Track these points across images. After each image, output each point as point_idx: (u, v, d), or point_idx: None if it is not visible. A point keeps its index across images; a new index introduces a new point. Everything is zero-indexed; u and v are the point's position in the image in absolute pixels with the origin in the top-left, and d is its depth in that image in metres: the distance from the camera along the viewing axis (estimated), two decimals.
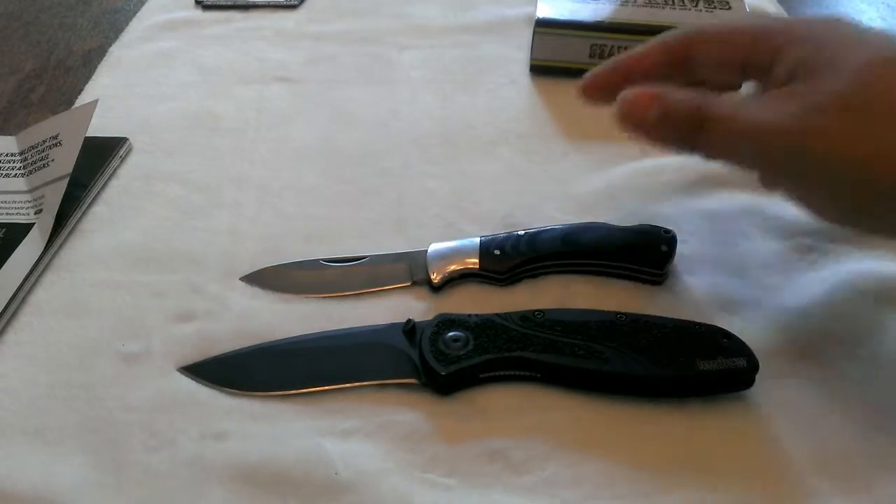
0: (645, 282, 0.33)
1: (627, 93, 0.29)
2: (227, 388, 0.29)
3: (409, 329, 0.30)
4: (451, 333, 0.29)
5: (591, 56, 0.47)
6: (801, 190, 0.28)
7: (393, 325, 0.31)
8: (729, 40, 0.29)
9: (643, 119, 0.28)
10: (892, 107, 0.24)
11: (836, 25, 0.27)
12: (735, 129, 0.27)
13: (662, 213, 0.36)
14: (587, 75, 0.32)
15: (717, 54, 0.29)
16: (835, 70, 0.25)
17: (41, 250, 0.35)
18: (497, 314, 0.30)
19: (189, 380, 0.30)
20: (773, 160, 0.27)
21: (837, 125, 0.24)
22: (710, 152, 0.28)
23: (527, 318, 0.29)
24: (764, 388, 0.28)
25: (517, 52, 0.51)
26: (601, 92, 0.32)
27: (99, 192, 0.39)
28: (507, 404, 0.29)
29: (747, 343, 0.28)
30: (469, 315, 0.30)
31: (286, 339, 0.31)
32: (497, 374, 0.29)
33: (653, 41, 0.31)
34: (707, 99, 0.27)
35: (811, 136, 0.25)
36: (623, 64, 0.31)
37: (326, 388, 0.29)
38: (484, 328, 0.29)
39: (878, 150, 0.24)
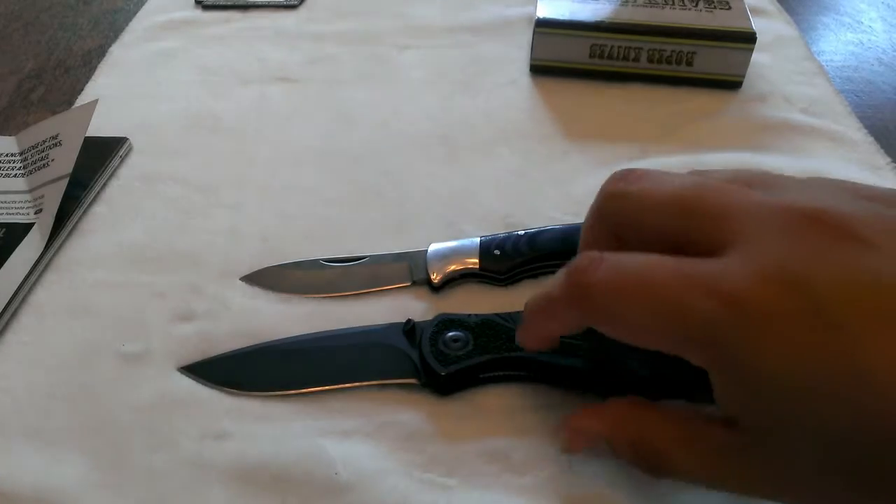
0: None
1: (568, 432, 0.25)
2: (228, 388, 0.29)
3: (409, 329, 0.30)
4: (451, 333, 0.29)
5: (591, 56, 0.47)
6: None
7: (393, 326, 0.31)
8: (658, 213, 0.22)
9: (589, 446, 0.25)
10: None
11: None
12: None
13: None
14: None
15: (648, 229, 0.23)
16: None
17: (41, 250, 0.35)
18: (497, 314, 0.30)
19: (189, 380, 0.30)
20: None
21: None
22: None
23: None
24: None
25: (517, 52, 0.51)
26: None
27: (99, 192, 0.39)
28: (507, 404, 0.29)
29: None
30: (469, 315, 0.30)
31: (286, 338, 0.31)
32: (498, 374, 0.29)
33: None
34: (656, 432, 0.23)
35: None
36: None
37: (326, 388, 0.29)
38: (484, 328, 0.29)
39: None
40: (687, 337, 0.20)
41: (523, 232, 0.34)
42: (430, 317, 0.30)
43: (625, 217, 0.23)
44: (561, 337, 0.26)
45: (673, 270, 0.20)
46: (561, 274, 0.23)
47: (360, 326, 0.31)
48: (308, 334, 0.31)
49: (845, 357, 0.18)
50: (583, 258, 0.22)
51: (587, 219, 0.25)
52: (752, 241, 0.20)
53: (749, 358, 0.19)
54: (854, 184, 0.22)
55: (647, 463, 0.23)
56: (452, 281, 0.33)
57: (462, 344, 0.29)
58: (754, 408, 0.20)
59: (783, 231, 0.20)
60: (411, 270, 0.34)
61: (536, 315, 0.25)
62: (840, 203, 0.20)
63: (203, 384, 0.29)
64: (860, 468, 0.18)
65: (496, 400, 0.29)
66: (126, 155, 0.42)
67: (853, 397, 0.18)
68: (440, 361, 0.28)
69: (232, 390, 0.29)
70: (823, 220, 0.19)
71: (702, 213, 0.21)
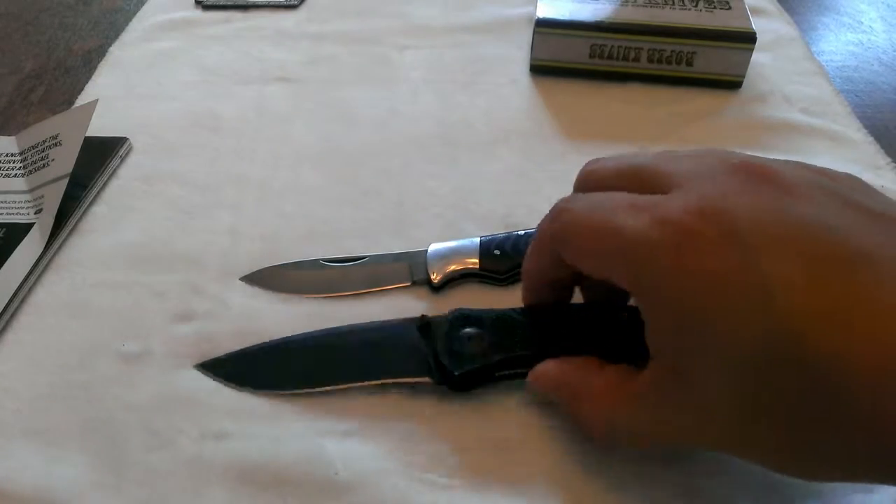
0: None
1: (531, 376, 0.27)
2: (243, 386, 0.29)
3: (423, 326, 0.30)
4: (466, 330, 0.28)
5: (591, 56, 0.47)
6: None
7: (407, 321, 0.30)
8: (583, 255, 0.25)
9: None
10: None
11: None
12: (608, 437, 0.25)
13: None
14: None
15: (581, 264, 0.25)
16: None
17: (41, 250, 0.35)
18: (513, 309, 0.29)
19: (189, 380, 0.30)
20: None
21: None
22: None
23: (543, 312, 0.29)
24: None
25: (517, 52, 0.51)
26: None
27: (99, 192, 0.39)
28: (508, 402, 0.29)
29: None
30: (486, 310, 0.29)
31: (300, 334, 0.31)
32: (514, 371, 0.28)
33: (537, 239, 0.28)
34: (581, 388, 0.25)
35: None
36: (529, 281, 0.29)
37: (342, 386, 0.29)
38: (500, 324, 0.29)
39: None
40: (619, 252, 0.22)
41: (523, 232, 0.34)
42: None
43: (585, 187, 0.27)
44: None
45: (621, 199, 0.23)
46: (543, 221, 0.26)
47: (373, 322, 0.31)
48: (322, 330, 0.31)
49: (754, 274, 0.19)
50: (558, 202, 0.26)
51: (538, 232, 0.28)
52: (692, 184, 0.22)
53: (670, 274, 0.21)
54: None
55: (576, 410, 0.26)
56: (452, 281, 0.33)
57: (477, 341, 0.28)
58: (673, 333, 0.21)
59: (717, 176, 0.22)
60: (411, 270, 0.34)
61: (528, 260, 0.28)
62: (771, 161, 0.23)
63: (220, 382, 0.29)
64: (765, 395, 0.20)
65: (498, 398, 0.29)
66: (126, 155, 0.42)
67: (759, 315, 0.19)
68: (455, 360, 0.28)
69: (246, 389, 0.29)
70: (752, 168, 0.22)
71: (652, 170, 0.24)
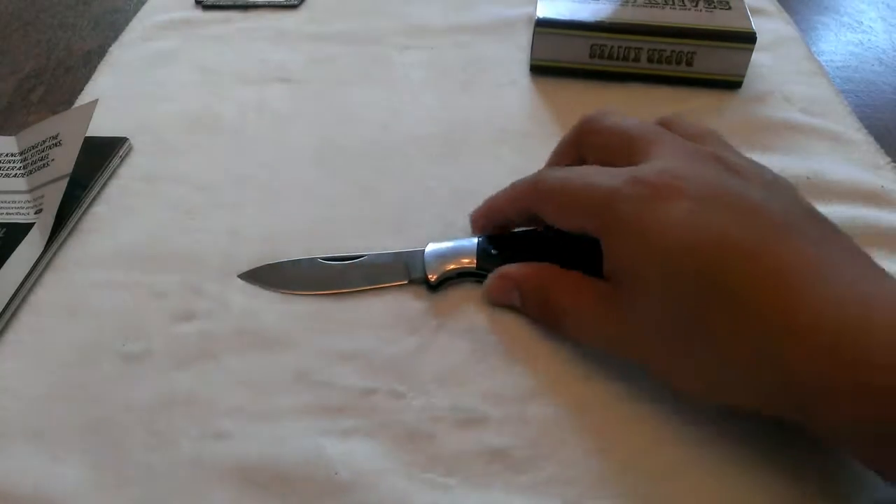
0: None
1: (490, 280, 0.32)
2: (280, 289, 0.33)
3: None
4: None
5: (591, 56, 0.47)
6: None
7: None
8: (616, 141, 0.31)
9: (509, 303, 0.32)
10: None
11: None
12: (580, 335, 0.30)
13: None
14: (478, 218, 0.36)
15: (602, 157, 0.31)
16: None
17: (41, 250, 0.35)
18: (484, 238, 0.34)
19: (189, 380, 0.30)
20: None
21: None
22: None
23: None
24: None
25: (517, 52, 0.51)
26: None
27: (99, 192, 0.39)
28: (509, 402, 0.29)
29: None
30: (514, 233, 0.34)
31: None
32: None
33: (502, 204, 0.34)
34: (554, 283, 0.30)
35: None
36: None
37: (343, 291, 0.33)
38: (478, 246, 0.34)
39: None
40: (593, 204, 0.28)
41: (520, 231, 0.34)
42: (427, 316, 0.31)
43: (591, 146, 0.32)
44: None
45: (596, 170, 0.29)
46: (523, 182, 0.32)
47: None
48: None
49: (701, 224, 0.25)
50: (540, 171, 0.32)
51: (563, 141, 0.34)
52: (664, 157, 0.28)
53: (633, 218, 0.26)
54: None
55: (544, 310, 0.31)
56: (449, 280, 0.33)
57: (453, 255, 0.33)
58: (628, 258, 0.27)
59: (687, 155, 0.28)
60: (408, 269, 0.34)
61: (498, 197, 0.34)
62: (733, 155, 0.30)
63: (261, 287, 0.33)
64: (690, 317, 0.25)
65: (495, 396, 0.29)
66: (126, 155, 0.42)
67: (694, 252, 0.25)
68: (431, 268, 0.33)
69: (283, 290, 0.33)
70: (718, 158, 0.28)
71: (643, 142, 0.29)
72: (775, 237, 0.24)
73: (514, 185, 0.33)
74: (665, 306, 0.25)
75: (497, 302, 0.32)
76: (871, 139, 0.43)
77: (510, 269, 0.32)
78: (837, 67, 0.51)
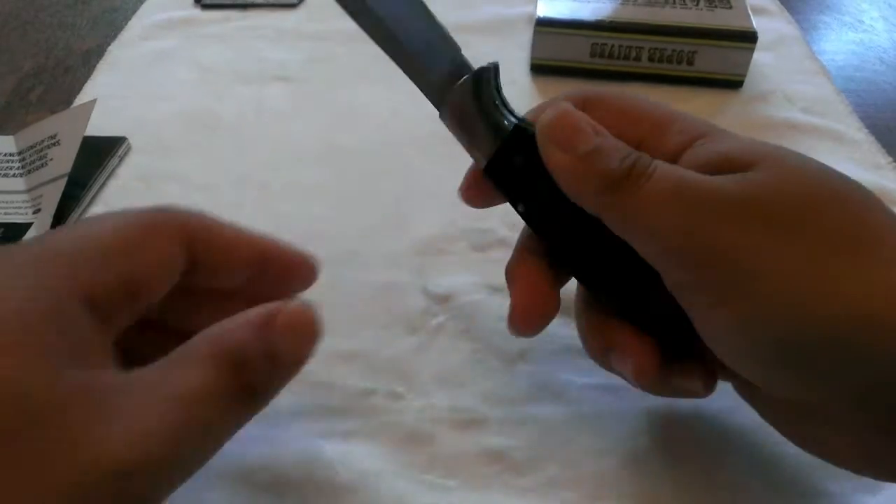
0: None
1: (559, 108, 0.24)
2: None
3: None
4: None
5: (591, 55, 0.47)
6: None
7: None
8: (628, 115, 0.25)
9: (571, 146, 0.23)
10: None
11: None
12: (677, 196, 0.22)
13: None
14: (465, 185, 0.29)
15: (614, 127, 0.24)
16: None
17: None
18: None
19: None
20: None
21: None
22: (625, 224, 0.23)
23: None
24: None
25: (517, 52, 0.51)
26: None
27: (97, 192, 0.39)
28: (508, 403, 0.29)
29: None
30: None
31: None
32: None
33: (543, 106, 0.27)
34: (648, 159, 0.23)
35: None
36: None
37: None
38: None
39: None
40: None
41: None
42: (427, 316, 0.30)
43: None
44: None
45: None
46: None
47: None
48: None
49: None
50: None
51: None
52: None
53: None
54: None
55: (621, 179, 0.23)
56: None
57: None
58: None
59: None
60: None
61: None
62: None
63: None
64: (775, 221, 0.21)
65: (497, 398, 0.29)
66: (125, 154, 0.42)
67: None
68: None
69: None
70: None
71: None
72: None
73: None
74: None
75: (552, 137, 0.24)
76: (872, 138, 0.43)
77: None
78: (839, 67, 0.51)
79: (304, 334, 0.21)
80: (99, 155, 0.40)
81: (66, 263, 0.19)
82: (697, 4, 0.47)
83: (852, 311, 0.19)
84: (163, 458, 0.18)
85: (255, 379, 0.20)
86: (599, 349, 0.26)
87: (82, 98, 0.47)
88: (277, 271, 0.26)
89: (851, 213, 0.21)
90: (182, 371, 0.19)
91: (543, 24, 0.46)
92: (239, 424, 0.20)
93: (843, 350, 0.20)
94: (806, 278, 0.20)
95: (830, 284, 0.20)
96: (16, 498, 0.16)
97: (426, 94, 0.26)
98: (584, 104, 0.25)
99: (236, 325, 0.20)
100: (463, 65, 0.26)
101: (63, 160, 0.38)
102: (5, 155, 0.41)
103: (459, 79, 0.26)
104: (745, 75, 0.47)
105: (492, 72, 0.26)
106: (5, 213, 0.37)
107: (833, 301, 0.20)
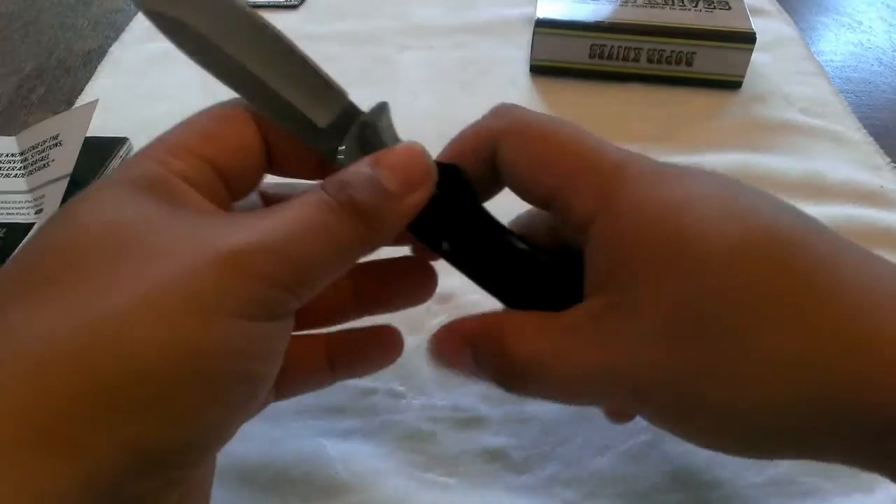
0: None
1: (436, 335, 0.24)
2: None
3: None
4: None
5: (591, 56, 0.47)
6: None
7: None
8: (548, 155, 0.23)
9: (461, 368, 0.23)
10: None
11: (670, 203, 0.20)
12: (553, 381, 0.21)
13: None
14: None
15: (528, 169, 0.23)
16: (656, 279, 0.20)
17: None
18: None
19: None
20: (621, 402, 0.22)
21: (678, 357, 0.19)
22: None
23: None
24: None
25: (517, 52, 0.51)
26: None
27: None
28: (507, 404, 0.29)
29: None
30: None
31: None
32: None
33: (463, 136, 0.26)
34: (509, 327, 0.22)
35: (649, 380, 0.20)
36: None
37: None
38: None
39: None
40: (595, 168, 0.22)
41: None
42: (427, 316, 0.31)
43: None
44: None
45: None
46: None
47: None
48: None
49: (746, 204, 0.20)
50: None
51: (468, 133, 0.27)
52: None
53: (653, 193, 0.21)
54: None
55: (504, 363, 0.22)
56: None
57: None
58: (638, 244, 0.20)
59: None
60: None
61: (460, 133, 0.26)
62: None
63: None
64: (688, 325, 0.19)
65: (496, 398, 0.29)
66: (126, 155, 0.42)
67: (688, 259, 0.19)
68: None
69: None
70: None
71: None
72: (817, 229, 0.20)
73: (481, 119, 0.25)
74: (657, 316, 0.20)
75: (449, 366, 0.24)
76: (870, 139, 0.43)
77: (464, 321, 0.24)
78: (837, 67, 0.51)
79: (408, 166, 0.21)
80: (101, 155, 0.40)
81: (154, 156, 0.21)
82: (696, 5, 0.47)
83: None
84: (275, 249, 0.18)
85: (358, 197, 0.20)
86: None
87: (84, 99, 0.47)
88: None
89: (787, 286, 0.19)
90: (291, 202, 0.20)
91: (543, 25, 0.47)
92: (350, 252, 0.20)
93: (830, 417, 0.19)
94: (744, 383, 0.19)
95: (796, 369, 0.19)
96: (147, 281, 0.17)
97: (318, 150, 0.23)
98: (506, 134, 0.24)
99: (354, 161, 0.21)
100: (351, 112, 0.25)
101: (65, 161, 0.38)
102: (7, 155, 0.41)
103: (349, 127, 0.24)
104: (743, 76, 0.47)
105: (379, 114, 0.24)
106: (7, 214, 0.37)
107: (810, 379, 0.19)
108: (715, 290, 0.19)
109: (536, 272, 0.23)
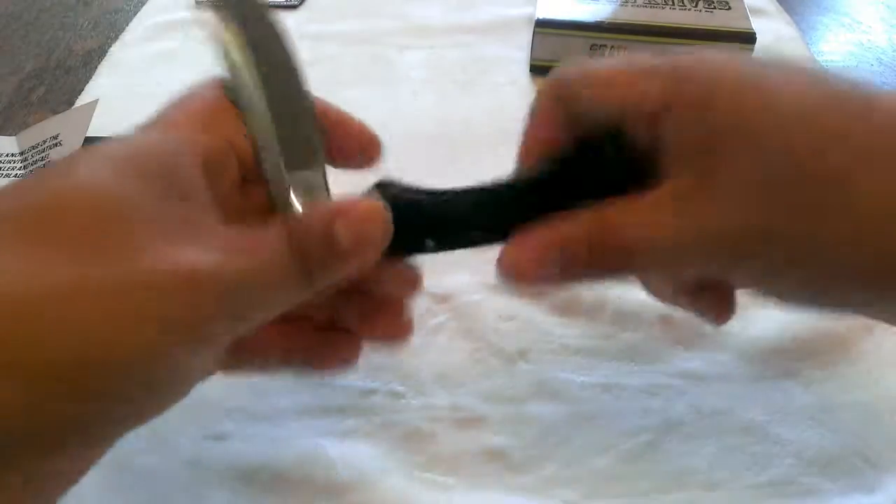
0: None
1: (507, 256, 0.23)
2: None
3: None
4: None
5: (591, 56, 0.47)
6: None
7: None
8: (607, 82, 0.25)
9: (541, 282, 0.23)
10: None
11: (732, 72, 0.22)
12: (659, 255, 0.22)
13: None
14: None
15: (597, 99, 0.25)
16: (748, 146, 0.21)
17: None
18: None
19: None
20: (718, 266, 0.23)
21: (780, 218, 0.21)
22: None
23: None
24: (763, 387, 0.28)
25: (517, 52, 0.51)
26: None
27: None
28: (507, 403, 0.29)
29: (747, 343, 0.28)
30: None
31: None
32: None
33: (540, 100, 0.28)
34: (608, 221, 0.22)
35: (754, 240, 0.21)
36: (526, 146, 0.28)
37: None
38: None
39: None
40: (659, 72, 0.23)
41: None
42: (427, 316, 0.30)
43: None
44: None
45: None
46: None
47: None
48: None
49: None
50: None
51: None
52: None
53: (720, 90, 0.22)
54: None
55: (605, 250, 0.23)
56: None
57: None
58: (704, 135, 0.21)
59: None
60: None
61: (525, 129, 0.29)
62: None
63: None
64: (787, 187, 0.20)
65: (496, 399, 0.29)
66: None
67: (773, 125, 0.21)
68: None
69: None
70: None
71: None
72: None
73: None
74: (782, 167, 0.20)
75: (533, 280, 0.23)
76: None
77: (539, 231, 0.23)
78: (837, 68, 0.51)
79: (363, 224, 0.22)
80: None
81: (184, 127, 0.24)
82: (696, 5, 0.47)
83: None
84: (229, 282, 0.19)
85: (310, 252, 0.21)
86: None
87: (84, 99, 0.47)
88: (342, 134, 0.29)
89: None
90: (259, 232, 0.21)
91: (543, 25, 0.47)
92: (288, 299, 0.21)
93: None
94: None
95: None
96: (104, 279, 0.18)
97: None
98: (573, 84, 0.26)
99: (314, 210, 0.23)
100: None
101: None
102: (7, 155, 0.41)
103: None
104: None
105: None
106: None
107: None
108: (805, 145, 0.20)
109: (535, 190, 0.24)
